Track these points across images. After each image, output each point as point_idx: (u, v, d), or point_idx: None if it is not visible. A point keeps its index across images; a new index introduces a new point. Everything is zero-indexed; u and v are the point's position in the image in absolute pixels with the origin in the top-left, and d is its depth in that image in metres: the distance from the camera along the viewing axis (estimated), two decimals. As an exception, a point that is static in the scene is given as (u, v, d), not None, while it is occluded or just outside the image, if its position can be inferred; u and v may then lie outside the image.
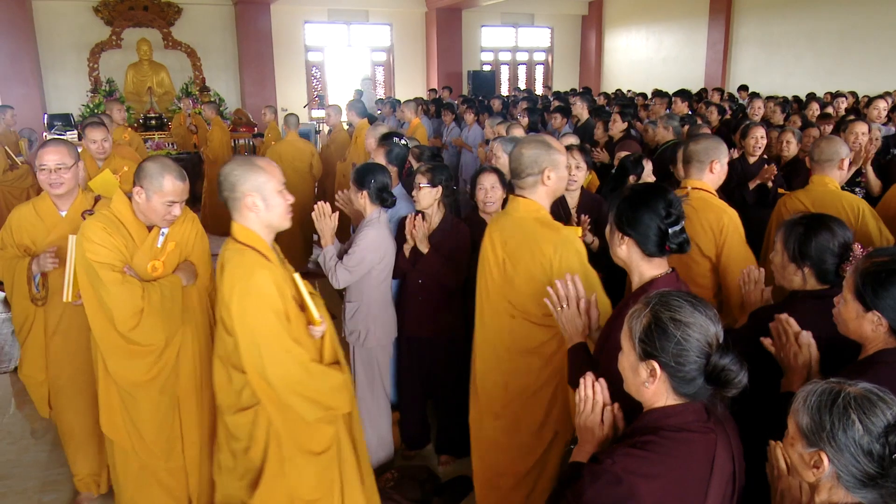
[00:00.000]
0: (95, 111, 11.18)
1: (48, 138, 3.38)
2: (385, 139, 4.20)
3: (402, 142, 4.14)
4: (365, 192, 3.24)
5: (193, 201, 8.60)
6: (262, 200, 2.22)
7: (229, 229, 2.30)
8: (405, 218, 3.34)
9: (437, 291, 3.36)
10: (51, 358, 3.12)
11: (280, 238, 2.38)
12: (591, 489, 1.47)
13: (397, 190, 3.73)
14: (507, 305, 2.53)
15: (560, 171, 2.50)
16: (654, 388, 1.52)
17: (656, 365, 1.49)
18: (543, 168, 2.46)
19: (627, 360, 1.56)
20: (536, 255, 2.43)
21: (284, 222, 2.30)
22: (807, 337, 1.90)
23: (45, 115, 11.74)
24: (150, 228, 2.70)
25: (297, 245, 7.11)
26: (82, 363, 3.02)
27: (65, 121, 10.88)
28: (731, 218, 2.89)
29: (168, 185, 2.59)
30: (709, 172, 3.01)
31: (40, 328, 3.09)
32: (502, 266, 2.54)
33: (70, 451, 3.27)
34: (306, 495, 2.35)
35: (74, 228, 2.81)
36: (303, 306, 2.26)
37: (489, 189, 3.47)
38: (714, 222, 2.87)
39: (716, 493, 1.49)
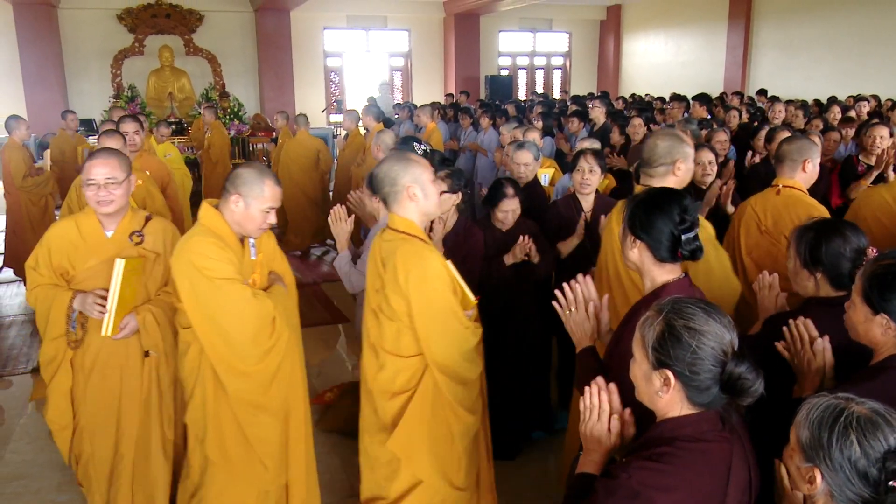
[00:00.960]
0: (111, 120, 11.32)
1: (96, 148, 3.05)
2: (403, 143, 4.21)
3: (422, 147, 4.15)
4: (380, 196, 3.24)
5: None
6: (421, 190, 2.38)
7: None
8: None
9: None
10: (83, 399, 2.78)
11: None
12: None
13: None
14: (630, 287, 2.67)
15: (689, 163, 2.66)
16: (668, 398, 1.48)
17: (670, 374, 1.46)
18: (675, 159, 2.62)
19: (640, 368, 1.53)
20: None
21: (437, 210, 2.50)
22: (821, 343, 1.87)
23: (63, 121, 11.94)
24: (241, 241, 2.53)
25: (304, 231, 7.82)
26: (122, 403, 2.76)
27: (88, 126, 11.07)
28: (821, 214, 2.91)
29: (268, 191, 2.44)
30: (801, 171, 3.08)
31: (68, 368, 2.74)
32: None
33: (94, 497, 2.91)
34: (458, 483, 2.47)
35: (120, 251, 2.63)
36: (455, 290, 2.41)
37: (510, 212, 3.53)
38: (804, 218, 2.89)
39: (733, 502, 1.46)
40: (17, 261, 6.66)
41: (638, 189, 2.68)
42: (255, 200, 2.43)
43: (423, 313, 2.29)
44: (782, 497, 1.45)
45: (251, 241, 2.55)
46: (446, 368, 2.35)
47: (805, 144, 3.10)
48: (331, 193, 8.26)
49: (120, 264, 2.49)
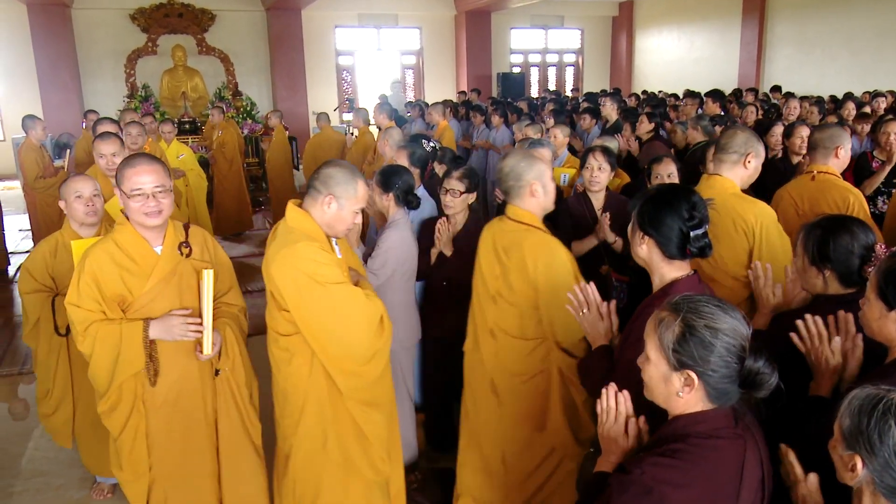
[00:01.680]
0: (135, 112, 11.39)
1: (130, 153, 2.97)
2: (413, 141, 4.22)
3: (431, 144, 4.16)
4: (391, 194, 3.26)
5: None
6: (542, 187, 2.54)
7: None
8: (428, 220, 3.35)
9: (461, 293, 3.37)
10: (167, 438, 2.49)
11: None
12: (620, 500, 1.45)
13: (419, 192, 3.74)
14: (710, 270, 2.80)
15: (759, 161, 2.86)
16: (688, 398, 1.48)
17: (693, 375, 1.45)
18: (749, 152, 2.82)
19: (657, 370, 1.51)
20: (738, 224, 2.74)
21: (552, 206, 2.62)
22: (838, 342, 1.85)
23: (84, 121, 12.05)
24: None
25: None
26: (198, 435, 2.54)
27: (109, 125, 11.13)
28: (856, 196, 3.20)
29: (361, 191, 2.38)
30: (834, 157, 3.30)
31: (141, 409, 2.46)
32: None
33: None
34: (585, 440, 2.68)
35: (175, 266, 2.42)
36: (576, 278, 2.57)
37: None
38: (840, 200, 3.17)
39: (746, 499, 1.47)
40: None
41: (706, 178, 2.93)
42: (348, 201, 2.36)
43: (550, 299, 2.45)
44: (793, 485, 1.46)
45: (334, 240, 2.48)
46: (570, 349, 2.51)
47: (836, 132, 3.33)
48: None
49: (209, 276, 2.32)
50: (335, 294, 2.28)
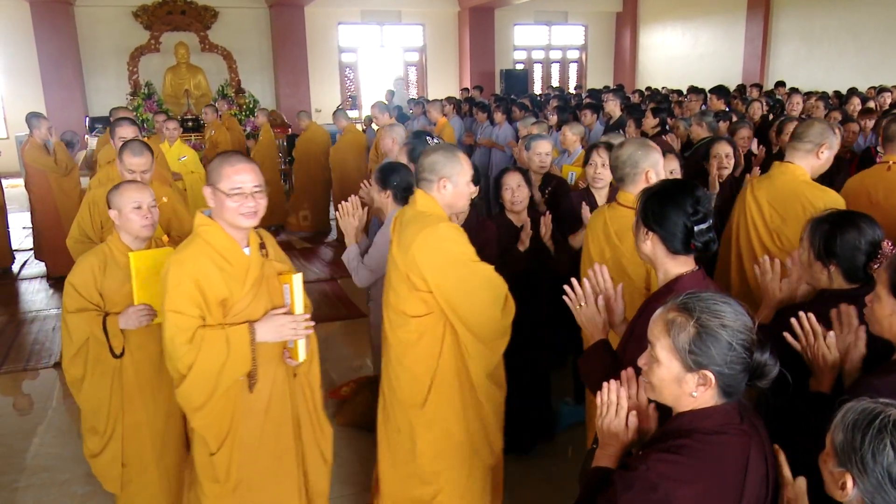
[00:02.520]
0: (136, 112, 11.42)
1: (221, 151, 2.79)
2: (416, 138, 4.22)
3: (434, 141, 4.16)
4: (389, 192, 3.25)
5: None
6: (656, 175, 2.66)
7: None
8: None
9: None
10: (258, 448, 2.41)
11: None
12: (625, 497, 1.44)
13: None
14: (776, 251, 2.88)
15: (832, 152, 2.97)
16: (702, 396, 1.48)
17: (710, 374, 1.45)
18: (823, 142, 2.93)
19: (669, 372, 1.49)
20: (808, 209, 2.81)
21: None
22: (832, 338, 1.85)
23: (87, 118, 12.08)
24: None
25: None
26: (287, 442, 2.48)
27: (105, 123, 11.15)
28: None
29: (468, 165, 2.53)
30: None
31: (240, 419, 2.36)
32: (768, 220, 3.01)
33: None
34: None
35: (261, 268, 2.34)
36: None
37: (515, 189, 3.49)
38: None
39: (750, 495, 1.46)
40: (48, 255, 6.80)
41: (778, 165, 3.05)
42: (460, 177, 2.51)
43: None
44: (782, 486, 1.45)
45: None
46: None
47: None
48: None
49: (299, 279, 2.32)
50: (477, 272, 2.44)
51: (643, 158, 2.66)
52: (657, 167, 2.67)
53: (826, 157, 2.97)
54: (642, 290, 2.61)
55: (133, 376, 2.75)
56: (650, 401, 1.65)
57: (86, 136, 10.58)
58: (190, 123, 11.57)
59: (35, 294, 6.61)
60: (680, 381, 1.48)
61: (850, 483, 1.23)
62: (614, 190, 3.83)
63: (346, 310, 6.01)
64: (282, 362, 2.40)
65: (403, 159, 3.83)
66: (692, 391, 1.47)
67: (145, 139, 5.34)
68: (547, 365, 3.83)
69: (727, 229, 3.25)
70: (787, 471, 1.41)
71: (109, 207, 2.75)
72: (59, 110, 12.34)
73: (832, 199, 2.87)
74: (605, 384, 1.67)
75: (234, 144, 8.98)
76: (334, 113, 8.68)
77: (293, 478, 2.51)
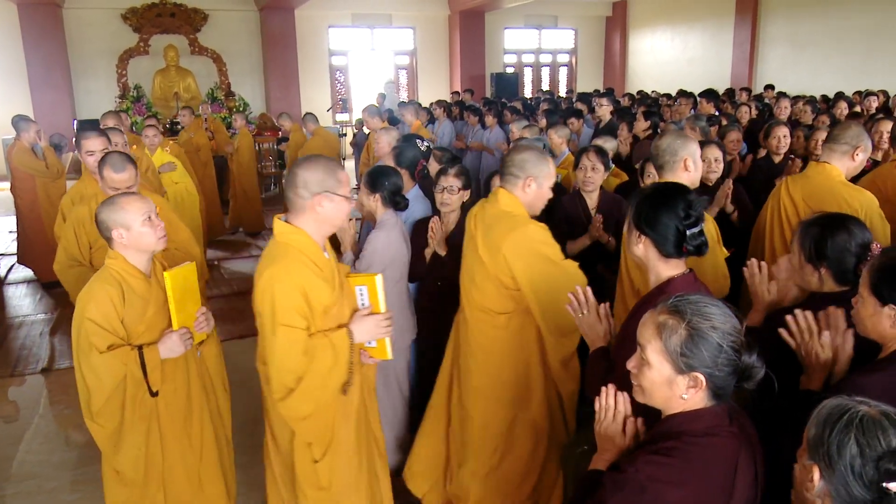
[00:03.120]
0: (127, 113, 11.35)
1: (308, 156, 2.49)
2: (406, 140, 4.21)
3: (425, 144, 4.16)
4: (378, 195, 3.25)
5: (221, 204, 8.84)
6: (693, 164, 2.82)
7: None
8: (421, 220, 3.34)
9: (457, 293, 3.36)
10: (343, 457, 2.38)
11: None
12: (615, 498, 1.45)
13: (414, 191, 3.73)
14: None
15: (866, 154, 3.12)
16: (693, 398, 1.49)
17: (701, 376, 1.45)
18: (858, 145, 3.07)
19: (660, 374, 1.50)
20: (843, 209, 2.90)
21: (697, 183, 2.90)
22: (827, 336, 1.86)
23: (75, 121, 11.99)
24: None
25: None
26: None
27: (94, 126, 11.09)
28: None
29: (552, 167, 2.62)
30: None
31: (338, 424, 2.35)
32: (800, 217, 3.05)
33: None
34: None
35: (338, 271, 2.33)
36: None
37: None
38: None
39: (739, 497, 1.47)
40: (33, 260, 6.72)
41: (814, 165, 3.21)
42: (546, 180, 2.58)
43: (707, 264, 2.64)
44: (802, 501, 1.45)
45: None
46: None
47: None
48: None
49: (381, 279, 2.34)
50: (566, 269, 2.55)
51: (682, 147, 2.79)
52: (695, 156, 2.81)
53: (861, 159, 3.09)
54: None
55: (165, 412, 2.50)
56: (638, 411, 1.65)
57: (73, 140, 10.50)
58: (180, 127, 11.53)
59: (22, 299, 6.54)
60: (671, 383, 1.49)
61: (817, 475, 1.24)
62: (605, 193, 3.85)
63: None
64: (360, 364, 2.41)
65: (390, 162, 3.83)
66: (683, 393, 1.48)
67: (129, 140, 5.21)
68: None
69: (757, 227, 3.38)
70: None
71: (108, 228, 2.39)
72: (46, 113, 12.25)
73: (867, 199, 3.00)
74: (603, 389, 1.68)
75: (216, 147, 8.95)
76: (303, 117, 8.75)
77: (373, 481, 2.55)
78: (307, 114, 8.69)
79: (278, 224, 2.23)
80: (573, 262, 2.62)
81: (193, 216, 5.88)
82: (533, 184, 2.57)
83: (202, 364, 2.65)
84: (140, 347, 2.38)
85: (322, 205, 2.17)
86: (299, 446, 2.33)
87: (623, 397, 1.66)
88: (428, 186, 4.00)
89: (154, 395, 2.43)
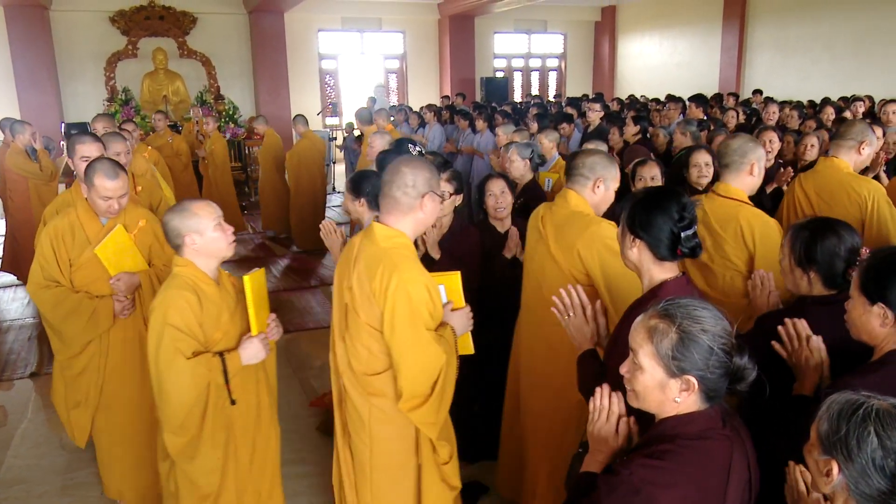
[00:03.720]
0: (114, 118, 11.27)
1: (407, 156, 2.72)
2: (398, 145, 4.21)
3: (417, 148, 4.16)
4: (363, 200, 3.23)
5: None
6: (759, 169, 2.90)
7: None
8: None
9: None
10: None
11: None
12: (608, 501, 1.45)
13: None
14: None
15: (871, 149, 3.34)
16: (684, 401, 1.49)
17: (693, 379, 1.46)
18: (863, 140, 3.31)
19: (652, 378, 1.51)
20: (853, 196, 3.21)
21: (756, 189, 3.02)
22: (817, 341, 1.88)
23: (63, 124, 11.91)
24: None
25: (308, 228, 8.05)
26: None
27: (82, 129, 11.02)
28: None
29: (618, 172, 2.71)
30: None
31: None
32: (816, 208, 3.34)
33: None
34: None
35: None
36: None
37: (499, 195, 3.51)
38: None
39: (733, 500, 1.48)
40: (16, 266, 6.64)
41: (824, 160, 3.41)
42: (613, 182, 2.68)
43: (766, 261, 2.67)
44: (797, 501, 1.46)
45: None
46: None
47: None
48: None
49: (458, 276, 2.47)
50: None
51: (751, 151, 2.85)
52: (761, 162, 2.88)
53: (867, 153, 3.31)
54: (745, 273, 2.79)
55: (239, 420, 2.50)
56: (631, 412, 1.66)
57: (62, 143, 10.42)
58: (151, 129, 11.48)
59: (10, 303, 6.48)
60: (663, 387, 1.49)
61: (835, 470, 1.25)
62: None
63: (330, 317, 5.96)
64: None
65: (373, 166, 3.85)
66: (675, 396, 1.48)
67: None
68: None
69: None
70: (802, 485, 1.43)
71: (179, 234, 2.34)
72: (33, 116, 12.11)
73: (874, 187, 3.23)
74: (597, 389, 1.69)
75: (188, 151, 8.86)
76: (294, 118, 8.75)
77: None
78: (297, 115, 8.66)
79: (380, 228, 2.24)
80: None
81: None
82: (602, 185, 2.66)
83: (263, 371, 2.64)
84: (221, 354, 2.37)
85: (426, 205, 2.22)
86: (426, 447, 2.35)
87: (617, 397, 1.67)
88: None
89: (233, 403, 2.42)
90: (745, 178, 2.88)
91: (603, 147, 4.71)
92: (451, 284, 2.41)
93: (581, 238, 2.56)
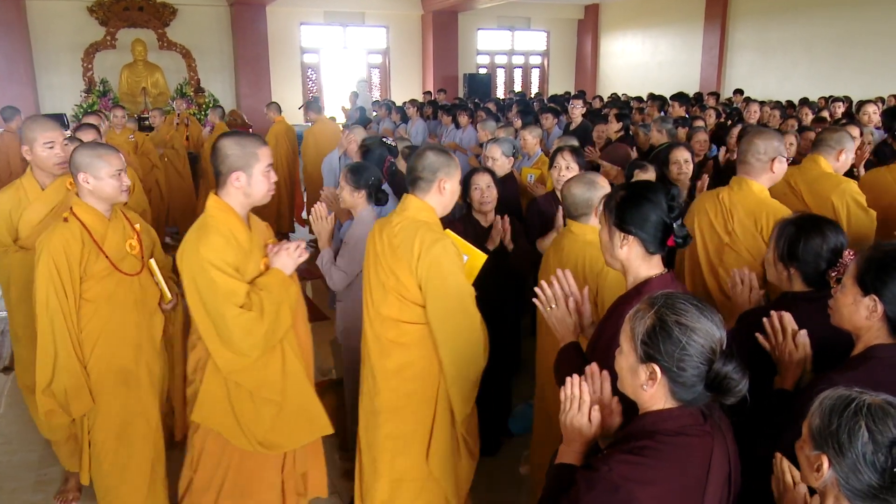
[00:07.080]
0: (89, 111, 11.12)
1: (432, 143, 2.69)
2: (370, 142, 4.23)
3: (390, 142, 4.17)
4: (363, 191, 3.24)
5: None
6: (780, 165, 3.00)
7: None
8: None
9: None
10: None
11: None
12: (587, 497, 1.44)
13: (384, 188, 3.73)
14: None
15: (848, 155, 3.49)
16: (652, 392, 1.49)
17: (657, 368, 1.46)
18: (842, 148, 3.45)
19: (627, 360, 1.53)
20: (834, 187, 3.30)
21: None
22: (803, 336, 1.89)
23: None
24: None
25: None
26: None
27: (59, 121, 10.82)
28: None
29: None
30: None
31: None
32: (807, 201, 3.41)
33: None
34: None
35: None
36: None
37: (485, 189, 3.50)
38: None
39: (713, 496, 1.47)
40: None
41: (809, 158, 3.53)
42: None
43: None
44: (782, 493, 1.46)
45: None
46: None
47: None
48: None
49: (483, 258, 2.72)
50: None
51: (770, 147, 2.96)
52: (782, 158, 2.98)
53: (844, 158, 3.48)
54: (749, 260, 2.88)
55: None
56: (615, 394, 1.66)
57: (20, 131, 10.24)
58: (147, 122, 11.33)
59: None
60: (634, 371, 1.50)
61: (825, 465, 1.25)
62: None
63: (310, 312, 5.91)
64: None
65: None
66: (643, 383, 1.48)
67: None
68: (509, 370, 3.84)
69: None
70: (788, 477, 1.42)
71: (229, 168, 2.38)
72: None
73: (847, 187, 3.33)
74: (568, 379, 1.67)
75: (190, 144, 8.74)
76: (267, 105, 8.58)
77: None
78: (271, 102, 8.56)
79: (414, 200, 2.51)
80: None
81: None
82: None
83: None
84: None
85: (444, 187, 2.50)
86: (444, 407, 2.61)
87: (587, 388, 1.65)
88: (398, 183, 3.99)
89: None
90: (767, 175, 3.00)
91: (572, 142, 4.69)
92: (472, 261, 2.63)
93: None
